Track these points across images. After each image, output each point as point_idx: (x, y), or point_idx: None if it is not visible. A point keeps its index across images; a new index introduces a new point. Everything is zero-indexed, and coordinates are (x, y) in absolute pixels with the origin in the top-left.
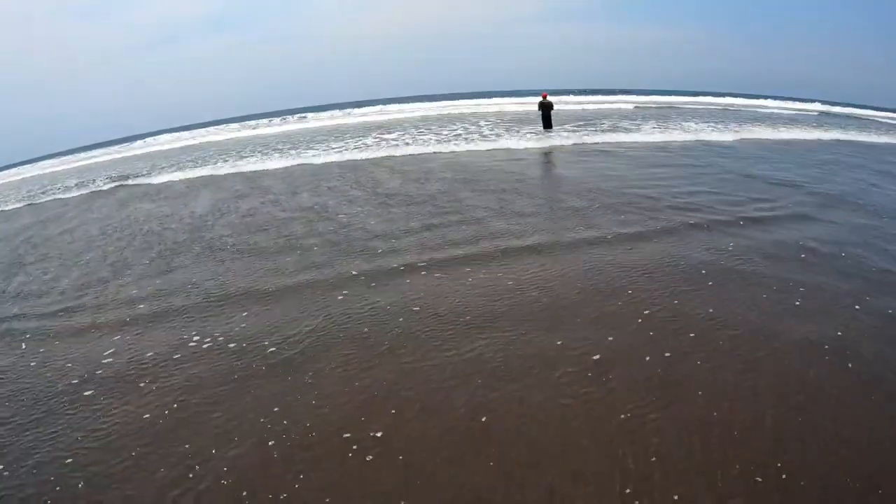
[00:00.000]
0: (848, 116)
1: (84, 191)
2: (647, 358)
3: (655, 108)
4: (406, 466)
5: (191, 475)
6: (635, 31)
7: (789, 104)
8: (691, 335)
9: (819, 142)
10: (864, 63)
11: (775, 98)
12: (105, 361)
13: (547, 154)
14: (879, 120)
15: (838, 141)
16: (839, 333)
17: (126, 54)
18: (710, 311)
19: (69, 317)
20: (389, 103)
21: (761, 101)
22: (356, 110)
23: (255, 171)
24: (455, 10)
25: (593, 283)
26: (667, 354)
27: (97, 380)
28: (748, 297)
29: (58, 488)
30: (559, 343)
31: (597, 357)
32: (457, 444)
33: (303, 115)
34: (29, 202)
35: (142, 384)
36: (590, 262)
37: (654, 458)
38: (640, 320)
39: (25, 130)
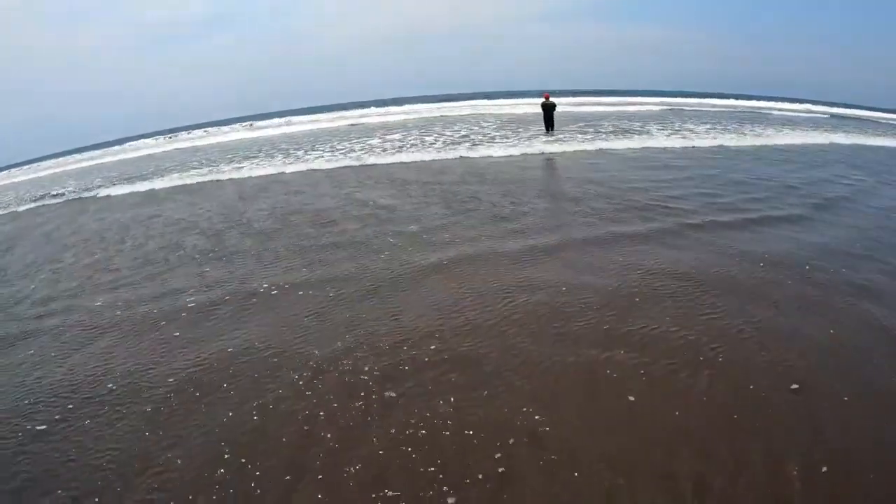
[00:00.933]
0: (845, 117)
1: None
2: (637, 299)
3: (656, 109)
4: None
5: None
6: (635, 31)
7: (789, 105)
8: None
9: (820, 144)
10: (865, 63)
11: (776, 99)
12: None
13: (552, 159)
14: (880, 121)
15: (839, 143)
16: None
17: (125, 54)
18: (693, 272)
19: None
20: (390, 104)
21: (762, 103)
22: (357, 111)
23: (262, 175)
24: (456, 11)
25: (601, 267)
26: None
27: None
28: (740, 288)
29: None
30: (564, 288)
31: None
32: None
33: (304, 115)
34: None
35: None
36: (595, 257)
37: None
38: (634, 276)
39: (25, 131)
